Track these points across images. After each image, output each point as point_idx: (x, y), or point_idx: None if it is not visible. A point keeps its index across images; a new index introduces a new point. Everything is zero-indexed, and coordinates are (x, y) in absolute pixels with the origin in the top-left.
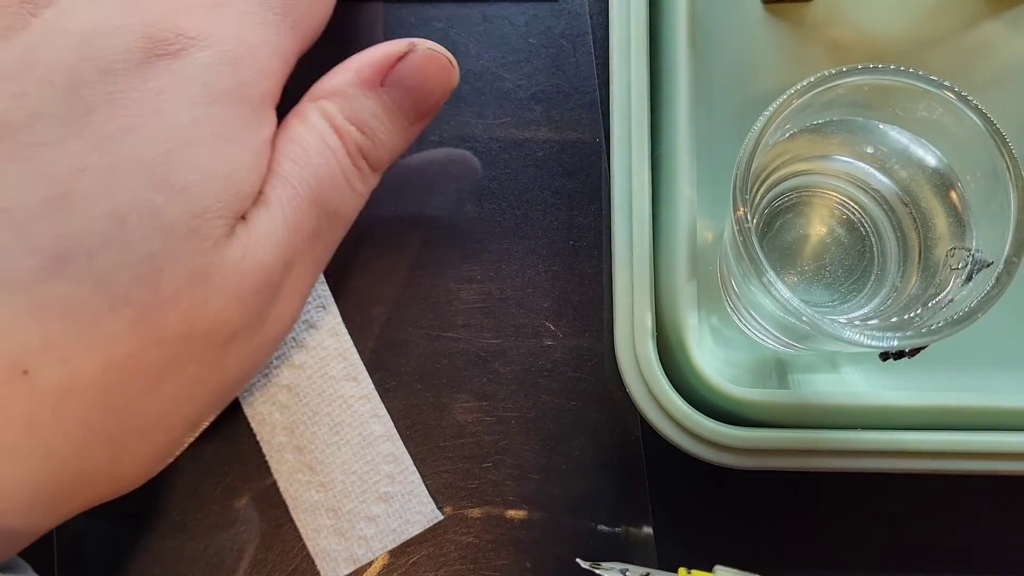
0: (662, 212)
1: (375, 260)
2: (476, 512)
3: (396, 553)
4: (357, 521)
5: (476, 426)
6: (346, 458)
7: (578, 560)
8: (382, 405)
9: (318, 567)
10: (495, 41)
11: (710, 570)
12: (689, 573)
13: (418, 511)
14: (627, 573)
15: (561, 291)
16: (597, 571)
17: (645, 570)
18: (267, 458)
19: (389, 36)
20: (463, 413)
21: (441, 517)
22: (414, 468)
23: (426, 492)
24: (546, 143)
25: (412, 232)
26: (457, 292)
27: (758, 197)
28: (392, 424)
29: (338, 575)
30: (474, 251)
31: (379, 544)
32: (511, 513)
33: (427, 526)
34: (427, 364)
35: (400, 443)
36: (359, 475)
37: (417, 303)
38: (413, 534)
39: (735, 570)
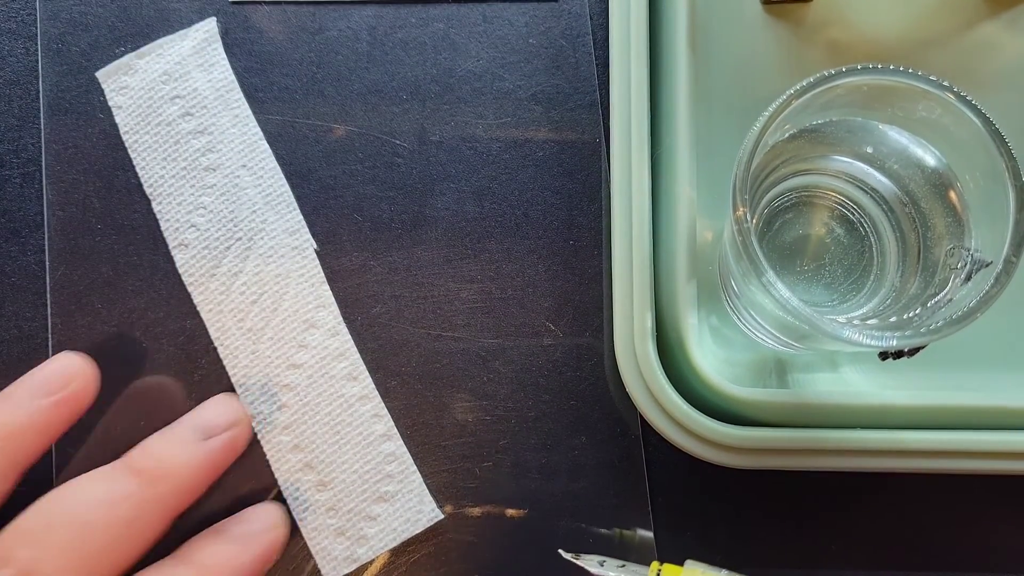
0: (662, 212)
1: (375, 260)
2: (476, 511)
3: (397, 552)
4: (358, 520)
5: (476, 425)
6: (347, 457)
7: (560, 551)
8: (383, 405)
9: (319, 566)
10: (495, 41)
11: (681, 564)
12: (661, 566)
13: (418, 510)
14: (604, 564)
15: (561, 291)
16: (577, 562)
17: (621, 562)
18: (267, 458)
19: (384, 37)
20: (463, 413)
21: (441, 516)
22: (415, 467)
23: (427, 491)
24: (546, 143)
25: (412, 232)
26: (457, 292)
27: (757, 197)
28: (393, 423)
29: (339, 574)
30: (474, 251)
31: (380, 543)
32: (511, 512)
33: (428, 525)
34: (427, 364)
35: (401, 442)
36: (360, 474)
37: (417, 303)
38: (414, 533)
39: (704, 564)
